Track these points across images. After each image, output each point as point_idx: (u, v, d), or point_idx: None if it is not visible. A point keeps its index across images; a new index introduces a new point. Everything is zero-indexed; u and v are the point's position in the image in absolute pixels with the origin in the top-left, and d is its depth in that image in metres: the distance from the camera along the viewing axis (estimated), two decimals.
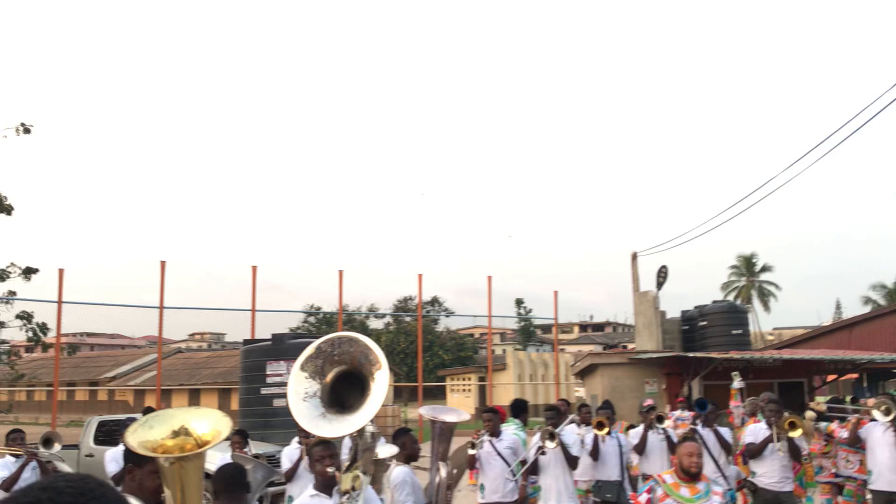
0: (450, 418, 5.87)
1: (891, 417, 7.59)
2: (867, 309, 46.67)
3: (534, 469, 7.98)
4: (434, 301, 62.18)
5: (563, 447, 7.79)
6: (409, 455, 6.07)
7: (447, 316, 62.32)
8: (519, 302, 60.27)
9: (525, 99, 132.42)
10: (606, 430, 8.17)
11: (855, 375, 26.44)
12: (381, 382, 4.49)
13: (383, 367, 4.52)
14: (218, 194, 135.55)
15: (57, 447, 7.77)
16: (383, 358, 4.58)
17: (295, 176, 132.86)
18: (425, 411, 6.08)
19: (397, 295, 62.45)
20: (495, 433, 7.97)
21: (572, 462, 7.88)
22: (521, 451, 8.08)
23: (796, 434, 7.63)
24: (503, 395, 39.49)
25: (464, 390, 41.22)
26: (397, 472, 5.87)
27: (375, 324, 62.69)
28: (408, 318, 55.74)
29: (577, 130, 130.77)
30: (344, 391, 4.77)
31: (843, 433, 8.90)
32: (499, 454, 7.83)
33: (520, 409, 9.24)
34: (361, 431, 4.83)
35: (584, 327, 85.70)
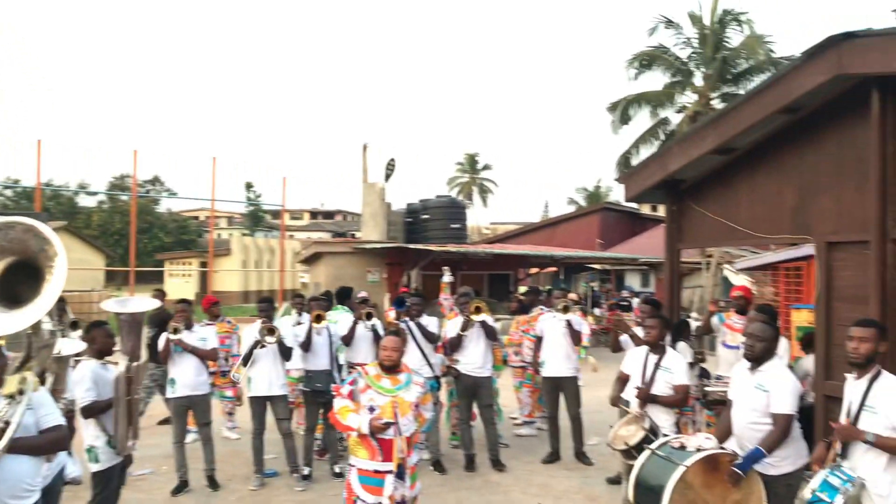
0: (134, 309, 5.49)
1: (566, 316, 8.50)
2: (572, 209, 51.50)
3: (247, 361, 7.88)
4: (155, 180, 58.47)
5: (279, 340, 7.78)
6: (100, 349, 5.61)
7: (169, 196, 58.92)
8: (249, 186, 58.56)
9: None
10: (324, 322, 8.21)
11: (555, 269, 29.21)
12: (57, 278, 4.05)
13: (61, 261, 4.07)
14: None
15: None
16: (62, 250, 4.12)
17: None
18: (108, 305, 5.63)
19: (115, 173, 57.72)
20: (189, 326, 7.73)
21: (286, 353, 7.89)
22: (214, 344, 7.93)
23: (480, 317, 8.22)
24: (226, 280, 38.65)
25: (184, 275, 39.64)
26: (79, 368, 5.43)
27: (87, 201, 57.65)
28: (124, 197, 51.95)
29: (309, 15, 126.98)
30: (17, 284, 4.24)
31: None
32: (190, 348, 7.61)
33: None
34: (37, 328, 4.35)
35: (314, 214, 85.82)
